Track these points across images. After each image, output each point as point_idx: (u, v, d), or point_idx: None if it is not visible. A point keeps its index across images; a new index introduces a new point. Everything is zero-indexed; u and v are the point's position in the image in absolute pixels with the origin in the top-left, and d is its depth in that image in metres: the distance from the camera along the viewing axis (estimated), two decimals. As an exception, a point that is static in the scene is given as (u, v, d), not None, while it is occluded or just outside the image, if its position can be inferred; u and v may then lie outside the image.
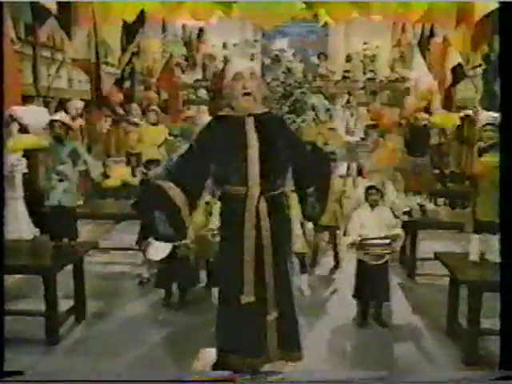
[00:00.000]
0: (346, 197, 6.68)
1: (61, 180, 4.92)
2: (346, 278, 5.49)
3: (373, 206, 4.57)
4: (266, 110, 3.37)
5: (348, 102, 12.89)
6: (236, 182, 3.16)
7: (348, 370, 3.82)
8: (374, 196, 4.58)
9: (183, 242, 4.74)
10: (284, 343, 3.29)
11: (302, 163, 3.38)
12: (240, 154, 3.14)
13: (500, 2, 3.24)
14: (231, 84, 3.19)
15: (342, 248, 6.03)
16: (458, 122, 8.66)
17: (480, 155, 4.52)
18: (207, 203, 5.10)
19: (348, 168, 8.52)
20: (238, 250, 3.17)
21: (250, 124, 3.20)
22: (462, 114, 8.76)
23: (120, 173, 7.61)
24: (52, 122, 5.18)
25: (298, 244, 4.85)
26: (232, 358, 3.27)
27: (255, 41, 14.28)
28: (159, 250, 4.68)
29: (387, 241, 4.44)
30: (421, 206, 6.09)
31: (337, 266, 6.03)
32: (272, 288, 3.19)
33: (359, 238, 4.43)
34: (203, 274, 5.32)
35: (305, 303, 4.89)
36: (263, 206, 3.15)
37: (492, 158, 4.15)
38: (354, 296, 4.66)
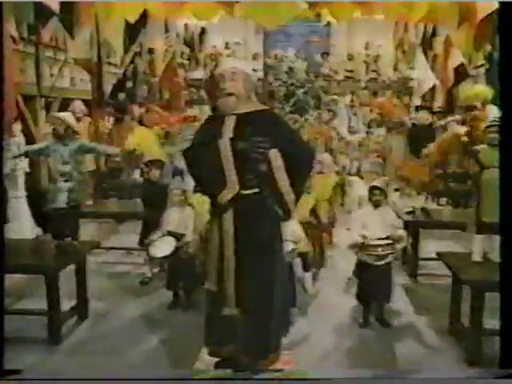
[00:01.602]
0: (348, 196, 6.69)
1: (66, 180, 4.93)
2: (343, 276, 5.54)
3: (376, 206, 4.57)
4: (260, 107, 3.34)
5: (351, 101, 12.88)
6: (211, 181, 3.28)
7: (350, 369, 3.82)
8: (377, 196, 4.57)
9: (186, 240, 4.75)
10: (248, 346, 3.30)
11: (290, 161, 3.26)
12: (213, 152, 3.20)
13: (500, 2, 3.22)
14: (217, 85, 3.27)
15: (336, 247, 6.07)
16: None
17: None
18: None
19: (350, 168, 8.52)
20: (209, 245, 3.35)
21: (228, 124, 3.22)
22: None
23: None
24: (52, 118, 5.18)
25: (294, 242, 4.82)
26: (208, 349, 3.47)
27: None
28: (162, 247, 4.70)
29: (390, 241, 4.42)
30: (423, 208, 6.08)
31: (322, 264, 6.00)
32: (231, 284, 3.25)
33: (361, 240, 4.42)
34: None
35: (306, 302, 4.91)
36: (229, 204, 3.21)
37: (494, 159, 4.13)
38: (356, 298, 4.66)
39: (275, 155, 3.17)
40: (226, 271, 3.25)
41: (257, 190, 3.22)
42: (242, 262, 3.24)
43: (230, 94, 3.21)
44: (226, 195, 3.20)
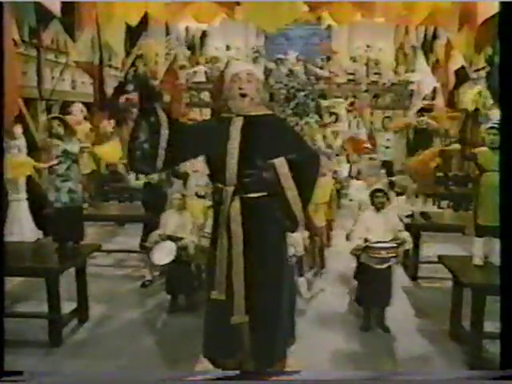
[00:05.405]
0: (349, 199, 6.68)
1: (65, 180, 4.92)
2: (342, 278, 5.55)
3: (379, 209, 4.55)
4: (267, 112, 3.31)
5: (352, 104, 12.87)
6: (217, 181, 3.22)
7: (349, 372, 3.81)
8: (380, 199, 4.55)
9: (184, 244, 4.74)
10: (256, 353, 3.25)
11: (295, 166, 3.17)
12: (220, 152, 3.14)
13: (500, 3, 3.22)
14: (229, 85, 3.20)
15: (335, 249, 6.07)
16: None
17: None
18: (208, 207, 5.10)
19: (350, 170, 8.51)
20: (215, 249, 3.23)
21: (236, 124, 3.17)
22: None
23: None
24: (50, 120, 5.17)
25: (294, 247, 4.82)
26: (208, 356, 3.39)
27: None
28: (164, 254, 4.70)
29: (393, 244, 4.40)
30: (422, 213, 6.08)
31: (322, 267, 6.00)
32: (240, 291, 3.16)
33: (364, 244, 4.39)
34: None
35: (305, 305, 4.91)
36: (236, 207, 3.13)
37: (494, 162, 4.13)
38: (356, 301, 4.64)
39: (281, 163, 3.10)
40: (236, 277, 3.16)
41: (265, 194, 3.16)
42: (250, 267, 3.16)
43: (244, 95, 3.15)
44: (226, 197, 3.14)
